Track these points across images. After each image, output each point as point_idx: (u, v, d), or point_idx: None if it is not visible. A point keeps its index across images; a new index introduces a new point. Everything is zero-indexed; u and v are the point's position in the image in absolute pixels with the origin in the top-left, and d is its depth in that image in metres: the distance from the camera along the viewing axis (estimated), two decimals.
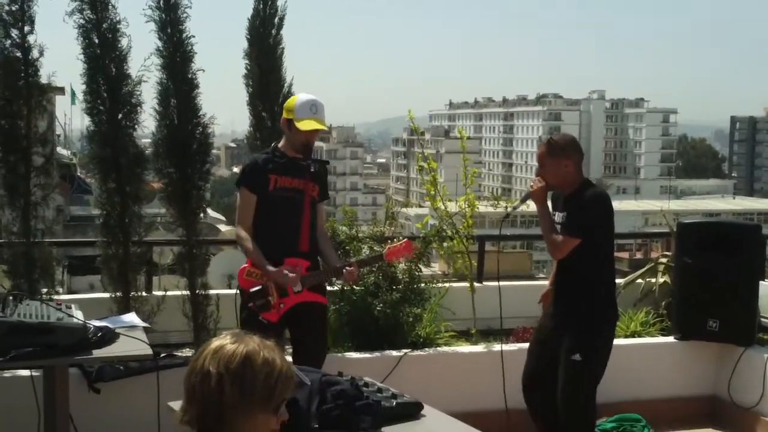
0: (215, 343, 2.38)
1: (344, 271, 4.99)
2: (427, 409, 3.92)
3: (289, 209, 4.96)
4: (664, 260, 7.68)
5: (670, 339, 6.75)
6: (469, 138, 8.24)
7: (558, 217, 4.98)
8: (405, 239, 5.33)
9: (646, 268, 7.83)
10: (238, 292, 5.21)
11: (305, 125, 4.91)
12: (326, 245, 5.18)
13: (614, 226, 5.03)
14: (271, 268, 4.85)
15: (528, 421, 5.40)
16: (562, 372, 4.91)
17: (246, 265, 4.98)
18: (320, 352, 5.14)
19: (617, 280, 8.01)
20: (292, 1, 6.67)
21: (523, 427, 5.52)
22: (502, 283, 7.91)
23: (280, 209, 4.96)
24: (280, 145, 5.08)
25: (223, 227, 21.56)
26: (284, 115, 5.01)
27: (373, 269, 6.33)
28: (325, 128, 5.07)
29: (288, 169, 4.98)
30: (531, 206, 5.16)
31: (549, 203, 5.09)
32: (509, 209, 5.39)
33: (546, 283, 5.38)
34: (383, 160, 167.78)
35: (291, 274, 4.83)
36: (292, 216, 4.97)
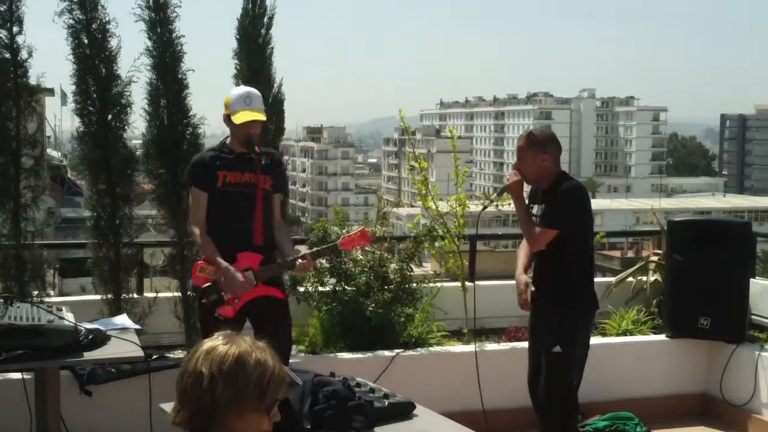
0: (207, 344, 2.38)
1: (297, 262, 4.89)
2: (419, 409, 3.93)
3: (240, 204, 4.94)
4: (655, 258, 7.69)
5: (662, 337, 6.77)
6: (460, 137, 8.27)
7: (536, 209, 5.02)
8: (361, 227, 5.25)
9: (637, 267, 7.84)
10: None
11: (239, 117, 4.92)
12: (282, 237, 5.07)
13: (592, 217, 5.13)
14: (222, 266, 4.82)
15: (518, 419, 5.42)
16: (543, 364, 4.96)
17: (200, 262, 4.98)
18: (283, 348, 5.00)
19: (609, 279, 8.06)
20: (280, 0, 6.67)
21: (517, 425, 5.54)
22: (493, 282, 7.96)
23: (230, 204, 4.94)
24: (228, 141, 5.09)
25: None
26: (224, 111, 5.02)
27: (365, 269, 6.33)
28: (262, 118, 4.97)
29: (236, 164, 4.96)
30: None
31: (526, 196, 5.12)
32: (486, 203, 5.37)
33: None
34: (374, 160, 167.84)
35: (240, 279, 4.79)
36: (244, 210, 4.94)
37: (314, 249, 5.19)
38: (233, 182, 4.95)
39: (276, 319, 5.01)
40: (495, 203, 5.42)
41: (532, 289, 4.98)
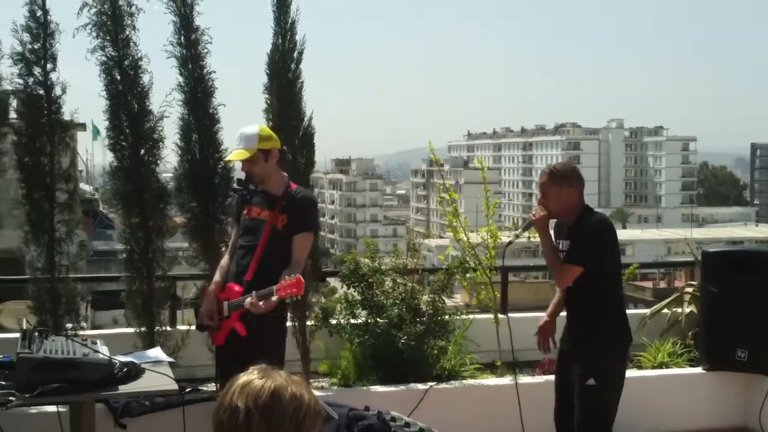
0: (243, 378, 2.37)
1: (245, 302, 4.78)
2: None
3: (248, 238, 5.05)
4: (689, 289, 7.60)
5: (699, 370, 6.68)
6: (488, 168, 8.23)
7: (562, 245, 4.99)
8: (297, 276, 5.04)
9: (672, 298, 7.75)
10: None
11: (229, 156, 5.13)
12: (284, 276, 4.81)
13: (618, 250, 5.03)
14: (206, 293, 5.12)
15: None
16: (577, 399, 4.89)
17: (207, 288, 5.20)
18: None
19: (644, 310, 7.96)
20: (308, 34, 6.71)
21: None
22: (524, 314, 7.90)
23: (243, 237, 5.09)
24: None
25: None
26: None
27: (397, 301, 6.31)
28: (243, 157, 4.96)
29: (259, 200, 5.07)
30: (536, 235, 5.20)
31: (552, 232, 5.09)
32: (511, 238, 5.38)
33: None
34: (403, 192, 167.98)
35: (203, 308, 5.06)
36: (249, 245, 5.03)
37: (261, 291, 4.83)
38: (249, 217, 5.08)
39: (248, 357, 4.79)
40: (524, 236, 5.39)
41: (550, 348, 5.13)
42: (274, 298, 4.70)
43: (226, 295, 4.99)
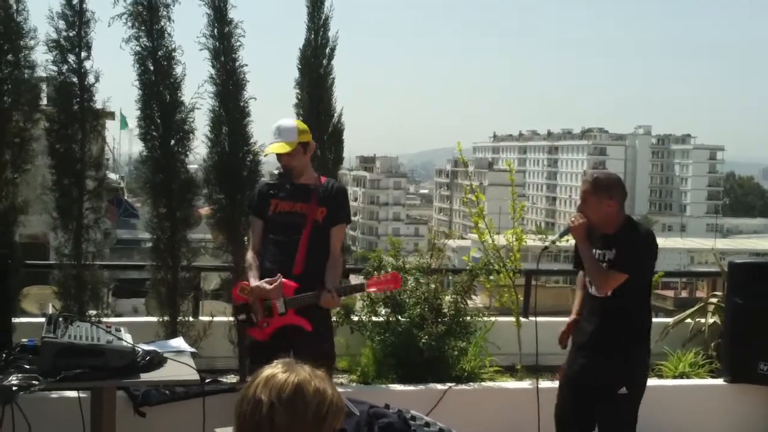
0: (267, 371, 2.38)
1: (322, 297, 4.84)
2: None
3: (286, 232, 5.00)
4: (714, 300, 7.55)
5: (720, 381, 6.63)
6: (515, 171, 8.22)
7: (597, 254, 4.97)
8: (393, 271, 5.17)
9: (695, 308, 7.70)
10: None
11: (268, 149, 5.05)
12: (331, 269, 4.99)
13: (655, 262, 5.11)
14: (254, 281, 4.95)
15: None
16: (605, 407, 4.90)
17: (241, 283, 5.10)
18: None
19: (666, 319, 7.92)
20: (342, 30, 6.73)
21: None
22: (548, 318, 7.87)
23: (278, 232, 5.04)
24: None
25: None
26: None
27: (419, 301, 6.32)
28: (285, 150, 4.96)
29: (290, 194, 5.05)
30: (571, 240, 5.18)
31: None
32: (548, 243, 5.40)
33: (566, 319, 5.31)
34: (426, 191, 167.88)
35: (268, 286, 4.87)
36: (289, 239, 4.99)
37: (342, 286, 5.08)
38: (282, 211, 5.04)
39: (306, 351, 4.86)
40: (555, 242, 5.40)
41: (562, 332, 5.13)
42: (365, 293, 4.85)
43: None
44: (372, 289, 5.15)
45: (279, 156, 5.02)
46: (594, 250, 4.98)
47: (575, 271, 5.34)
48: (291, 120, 5.17)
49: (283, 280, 4.86)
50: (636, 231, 4.94)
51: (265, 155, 5.15)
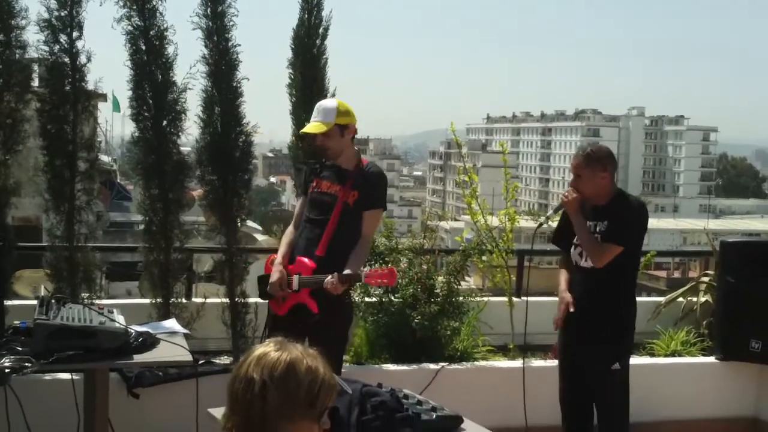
0: (259, 350, 2.38)
1: (325, 281, 4.80)
2: (467, 423, 3.89)
3: (318, 212, 5.03)
4: (705, 279, 7.58)
5: (711, 359, 6.67)
6: (509, 153, 8.21)
7: (589, 226, 5.00)
8: (390, 267, 5.13)
9: (687, 287, 7.74)
10: None
11: (305, 128, 5.06)
12: (355, 253, 4.93)
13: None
14: (276, 263, 5.02)
15: None
16: (601, 383, 4.98)
17: (272, 255, 5.16)
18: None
19: (658, 298, 7.96)
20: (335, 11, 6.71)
21: None
22: (539, 298, 7.89)
23: (312, 211, 5.07)
24: None
25: (259, 236, 21.61)
26: None
27: (412, 281, 6.32)
28: (319, 130, 4.94)
29: (328, 175, 5.06)
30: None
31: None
32: (542, 220, 5.40)
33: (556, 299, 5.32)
34: (419, 173, 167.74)
35: (273, 279, 4.96)
36: (319, 219, 5.01)
37: (343, 274, 4.91)
38: (319, 191, 5.06)
39: (313, 333, 4.67)
40: (550, 218, 5.39)
41: (572, 310, 5.04)
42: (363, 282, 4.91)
43: (296, 268, 4.97)
44: (368, 282, 5.04)
45: (314, 136, 5.01)
46: (587, 222, 5.01)
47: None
48: (334, 101, 5.14)
49: (303, 258, 4.93)
50: (628, 202, 4.99)
51: (302, 133, 5.16)
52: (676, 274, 32.64)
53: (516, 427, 5.55)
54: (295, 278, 4.93)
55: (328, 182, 5.05)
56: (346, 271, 4.78)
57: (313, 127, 4.97)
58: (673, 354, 6.94)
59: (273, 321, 5.11)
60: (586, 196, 4.99)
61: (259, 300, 6.58)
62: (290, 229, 5.19)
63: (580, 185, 4.98)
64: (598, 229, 4.97)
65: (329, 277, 4.78)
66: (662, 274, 37.95)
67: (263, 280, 5.14)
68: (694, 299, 7.48)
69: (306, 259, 4.93)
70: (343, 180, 5.02)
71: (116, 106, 27.29)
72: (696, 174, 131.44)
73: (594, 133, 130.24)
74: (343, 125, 5.01)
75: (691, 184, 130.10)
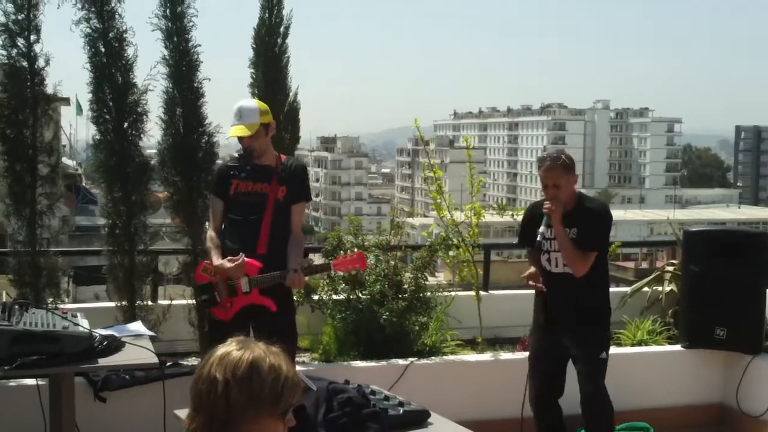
0: (221, 350, 2.38)
1: (288, 276, 4.86)
2: (434, 417, 3.91)
3: (248, 212, 5.01)
4: (670, 268, 7.65)
5: (678, 347, 6.73)
6: (473, 148, 8.24)
7: (548, 233, 5.09)
8: (358, 251, 5.26)
9: (652, 277, 7.80)
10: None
11: (231, 132, 5.03)
12: (292, 248, 5.00)
13: None
14: (216, 260, 4.93)
15: (533, 430, 5.41)
16: (586, 373, 5.06)
17: (205, 262, 5.09)
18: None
19: (624, 289, 8.02)
20: (296, 10, 6.69)
21: None
22: (507, 291, 7.95)
23: (239, 212, 5.03)
24: None
25: None
26: None
27: (379, 277, 6.33)
28: (246, 134, 4.94)
29: (251, 174, 5.04)
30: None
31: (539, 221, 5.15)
32: (539, 238, 5.09)
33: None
34: (388, 170, 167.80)
35: (229, 264, 4.87)
36: (252, 219, 5.00)
37: (306, 265, 5.07)
38: (243, 191, 5.03)
39: (273, 332, 4.86)
40: (546, 235, 5.15)
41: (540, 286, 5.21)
42: (331, 273, 5.09)
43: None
44: (338, 270, 5.20)
45: (240, 138, 5.00)
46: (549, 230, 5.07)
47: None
48: (252, 101, 5.16)
49: (246, 259, 4.86)
50: (593, 206, 5.06)
51: (228, 138, 5.14)
52: (644, 265, 32.96)
53: (485, 420, 5.57)
54: (244, 280, 4.89)
55: (250, 182, 5.03)
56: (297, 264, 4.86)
57: (239, 130, 4.97)
58: (639, 343, 7.00)
59: (216, 328, 5.05)
60: (564, 203, 5.02)
61: None
62: (212, 234, 5.11)
63: (560, 193, 4.98)
64: (569, 237, 5.01)
65: (291, 272, 4.82)
66: (630, 264, 38.28)
67: (204, 290, 5.05)
68: (660, 288, 7.55)
69: (252, 260, 4.90)
70: (268, 177, 5.03)
71: (79, 110, 27.06)
72: (661, 165, 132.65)
73: (560, 126, 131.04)
74: (266, 124, 5.04)
75: (656, 175, 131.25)
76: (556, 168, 4.96)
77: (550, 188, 4.98)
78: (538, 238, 5.10)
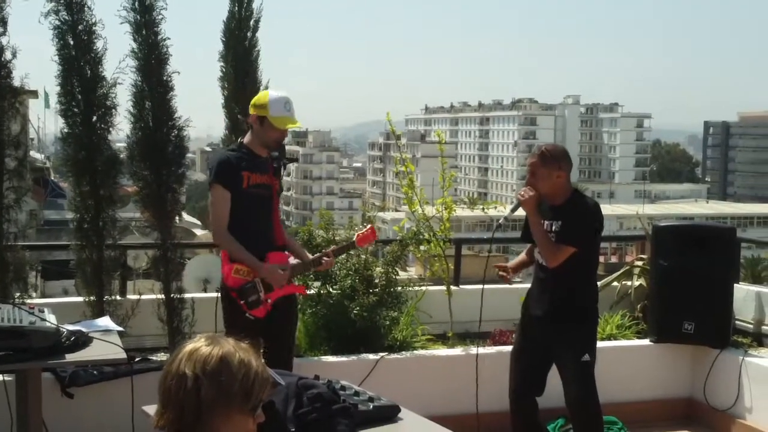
0: (190, 345, 2.36)
1: (323, 261, 5.16)
2: (404, 412, 3.91)
3: (262, 205, 5.01)
4: (639, 263, 7.70)
5: (646, 341, 6.78)
6: (445, 142, 8.24)
7: (545, 225, 5.03)
8: (370, 225, 5.51)
9: (621, 271, 7.85)
10: (218, 294, 5.33)
11: (282, 123, 4.94)
12: (290, 239, 5.35)
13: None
14: (264, 265, 4.91)
15: (504, 424, 5.42)
16: (571, 376, 5.03)
17: (234, 265, 4.93)
18: (293, 344, 5.33)
19: None
20: (267, 3, 6.67)
21: (501, 429, 5.53)
22: (478, 286, 7.94)
23: (254, 206, 4.98)
24: (246, 141, 5.06)
25: (198, 231, 21.43)
26: (254, 111, 4.98)
27: (350, 272, 6.32)
28: (301, 126, 5.20)
29: (256, 166, 5.00)
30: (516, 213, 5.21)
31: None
32: (501, 221, 5.23)
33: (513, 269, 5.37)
34: (359, 165, 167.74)
35: (282, 272, 4.94)
36: (265, 211, 5.03)
37: (334, 247, 5.48)
38: (256, 183, 4.98)
39: (293, 317, 5.28)
40: (508, 218, 5.20)
41: (503, 274, 5.23)
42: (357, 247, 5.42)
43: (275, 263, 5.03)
44: (361, 245, 5.46)
45: (285, 131, 5.03)
46: (543, 221, 5.03)
47: (511, 240, 5.42)
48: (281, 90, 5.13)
49: (272, 253, 5.00)
50: (583, 203, 5.02)
51: (284, 128, 4.99)
52: (613, 259, 33.19)
53: (455, 415, 5.58)
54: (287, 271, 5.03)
55: (258, 174, 5.00)
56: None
57: (295, 122, 5.04)
58: (608, 337, 7.03)
59: (251, 328, 4.75)
60: (543, 194, 4.99)
61: (195, 295, 6.55)
62: (228, 235, 4.93)
63: (537, 184, 4.98)
64: (553, 229, 4.99)
65: (325, 257, 5.17)
66: (600, 259, 38.56)
67: (247, 293, 4.91)
68: (629, 283, 7.60)
69: (278, 254, 5.04)
70: (267, 169, 5.05)
71: (47, 103, 26.78)
72: (631, 160, 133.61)
73: (531, 121, 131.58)
74: None
75: (626, 170, 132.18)
76: (534, 156, 4.99)
77: (528, 177, 5.05)
78: (500, 222, 5.18)
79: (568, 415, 5.36)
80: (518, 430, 5.31)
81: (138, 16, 6.19)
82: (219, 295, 5.32)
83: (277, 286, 4.94)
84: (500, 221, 5.26)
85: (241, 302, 4.89)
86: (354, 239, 5.38)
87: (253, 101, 5.04)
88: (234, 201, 4.93)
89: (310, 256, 5.27)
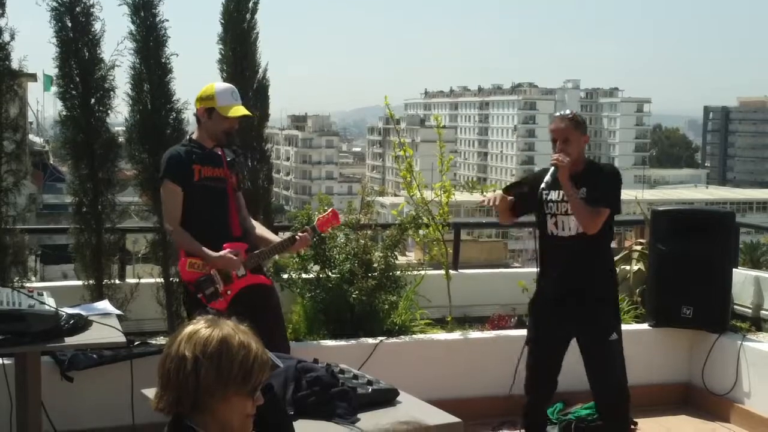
0: (189, 328, 2.37)
1: (297, 237, 4.99)
2: (402, 395, 3.92)
3: (215, 198, 4.93)
4: (638, 248, 7.70)
5: (645, 326, 6.78)
6: (444, 127, 8.23)
7: (556, 195, 4.85)
8: (332, 209, 5.40)
9: (620, 256, 7.83)
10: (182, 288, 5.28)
11: (234, 111, 4.91)
12: (261, 228, 5.21)
13: None
14: (214, 254, 4.80)
15: (502, 408, 5.43)
16: (599, 356, 4.84)
17: (188, 259, 4.87)
18: (281, 332, 5.11)
19: None
20: None
21: (499, 413, 5.55)
22: (477, 270, 7.97)
23: (207, 199, 4.91)
24: (195, 136, 5.02)
25: None
26: (201, 104, 4.93)
27: (349, 256, 6.32)
28: (252, 114, 5.07)
29: (208, 159, 4.95)
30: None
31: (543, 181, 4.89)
32: (543, 186, 4.87)
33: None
34: (359, 149, 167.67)
35: (234, 257, 4.82)
36: (219, 204, 4.95)
37: (304, 227, 5.34)
38: (208, 176, 4.93)
39: (271, 306, 5.05)
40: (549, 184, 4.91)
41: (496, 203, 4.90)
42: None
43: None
44: (323, 230, 5.36)
45: (235, 120, 4.94)
46: (554, 191, 4.87)
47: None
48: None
49: (229, 244, 4.85)
50: (607, 165, 5.00)
51: (235, 117, 4.91)
52: (613, 244, 33.21)
53: (455, 398, 5.59)
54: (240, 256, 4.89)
55: (210, 167, 4.94)
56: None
57: (244, 110, 4.98)
58: None
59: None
60: (573, 160, 4.79)
61: None
62: (180, 228, 4.88)
63: (570, 149, 4.79)
64: (578, 196, 4.76)
65: (305, 234, 5.02)
66: None
67: (203, 285, 4.84)
68: (628, 268, 7.59)
69: (235, 244, 4.89)
70: (220, 163, 4.99)
71: (48, 86, 26.70)
72: (631, 145, 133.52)
73: (531, 106, 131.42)
74: None
75: (626, 155, 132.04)
76: (565, 120, 4.84)
77: (559, 143, 4.82)
78: (543, 188, 4.87)
79: (593, 398, 5.10)
80: (528, 418, 5.10)
81: None
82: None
83: (231, 269, 4.82)
84: (543, 187, 4.89)
85: (199, 295, 4.84)
86: (314, 223, 5.24)
87: (198, 95, 4.99)
88: (187, 195, 4.89)
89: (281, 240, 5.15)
